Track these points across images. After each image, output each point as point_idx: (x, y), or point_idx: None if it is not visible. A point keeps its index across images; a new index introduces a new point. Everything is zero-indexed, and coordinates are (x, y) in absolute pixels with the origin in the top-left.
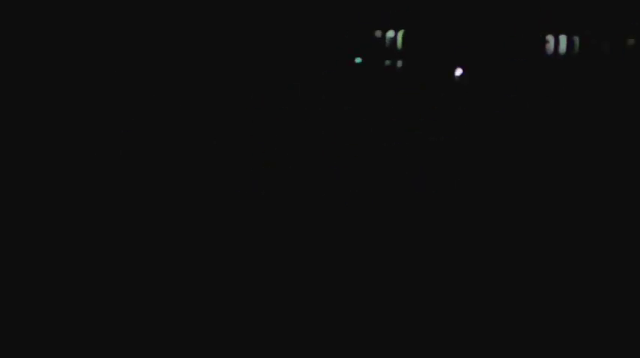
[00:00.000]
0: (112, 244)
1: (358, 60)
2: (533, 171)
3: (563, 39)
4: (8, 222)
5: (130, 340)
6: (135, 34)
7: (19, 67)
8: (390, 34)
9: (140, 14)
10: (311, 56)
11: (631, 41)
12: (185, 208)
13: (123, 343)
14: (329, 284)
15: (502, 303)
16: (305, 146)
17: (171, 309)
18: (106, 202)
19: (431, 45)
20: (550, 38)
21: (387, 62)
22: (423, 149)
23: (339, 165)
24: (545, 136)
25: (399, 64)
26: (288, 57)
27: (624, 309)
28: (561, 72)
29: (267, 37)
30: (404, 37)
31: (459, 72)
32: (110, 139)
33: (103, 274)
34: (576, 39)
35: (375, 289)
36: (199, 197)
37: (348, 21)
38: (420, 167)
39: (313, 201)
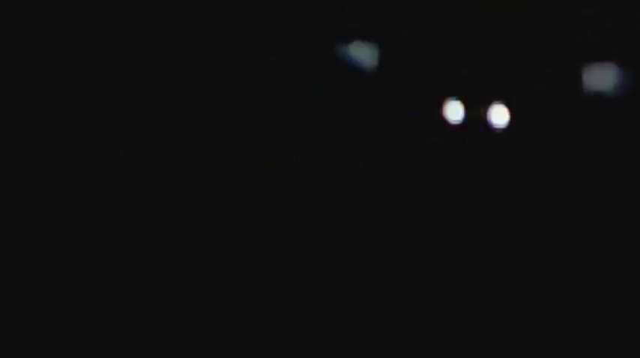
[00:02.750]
0: (112, 244)
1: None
2: (535, 176)
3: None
4: (8, 222)
5: (130, 340)
6: (135, 34)
7: (19, 67)
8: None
9: (140, 14)
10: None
11: None
12: (185, 208)
13: (123, 343)
14: (329, 284)
15: (502, 305)
16: (305, 146)
17: (171, 309)
18: (106, 202)
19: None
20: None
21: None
22: (422, 149)
23: (339, 165)
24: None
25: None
26: (287, 56)
27: (624, 310)
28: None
29: (268, 37)
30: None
31: (454, 110)
32: (110, 139)
33: (103, 274)
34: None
35: (375, 290)
36: (199, 197)
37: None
38: (420, 167)
39: (313, 202)
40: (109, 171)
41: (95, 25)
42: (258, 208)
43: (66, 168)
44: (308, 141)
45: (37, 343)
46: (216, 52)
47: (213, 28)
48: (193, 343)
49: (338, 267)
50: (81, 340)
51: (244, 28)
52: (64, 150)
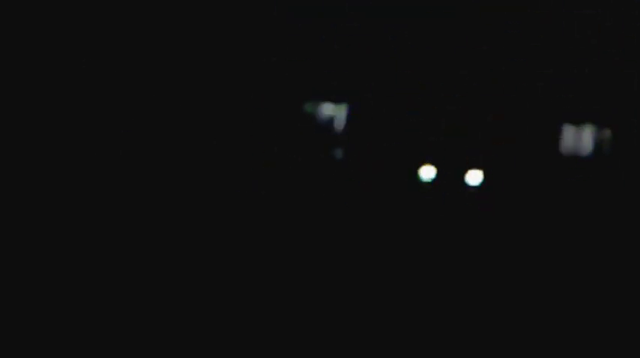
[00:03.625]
0: (112, 244)
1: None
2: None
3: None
4: (8, 222)
5: (130, 340)
6: (135, 34)
7: (19, 67)
8: (329, 109)
9: (140, 14)
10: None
11: None
12: (185, 208)
13: (123, 343)
14: (328, 285)
15: (503, 306)
16: (305, 146)
17: (171, 309)
18: (106, 202)
19: (389, 128)
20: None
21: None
22: (422, 150)
23: (338, 165)
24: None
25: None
26: (288, 58)
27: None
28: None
29: (269, 39)
30: (348, 116)
31: (428, 172)
32: (110, 139)
33: (104, 274)
34: (607, 132)
35: (375, 291)
36: (199, 197)
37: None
38: (418, 167)
39: (313, 202)
40: (109, 170)
41: (95, 25)
42: (257, 207)
43: (66, 167)
44: (308, 142)
45: (37, 343)
46: (216, 52)
47: (213, 28)
48: (193, 342)
49: (338, 268)
50: (81, 339)
51: (244, 28)
52: (64, 150)
